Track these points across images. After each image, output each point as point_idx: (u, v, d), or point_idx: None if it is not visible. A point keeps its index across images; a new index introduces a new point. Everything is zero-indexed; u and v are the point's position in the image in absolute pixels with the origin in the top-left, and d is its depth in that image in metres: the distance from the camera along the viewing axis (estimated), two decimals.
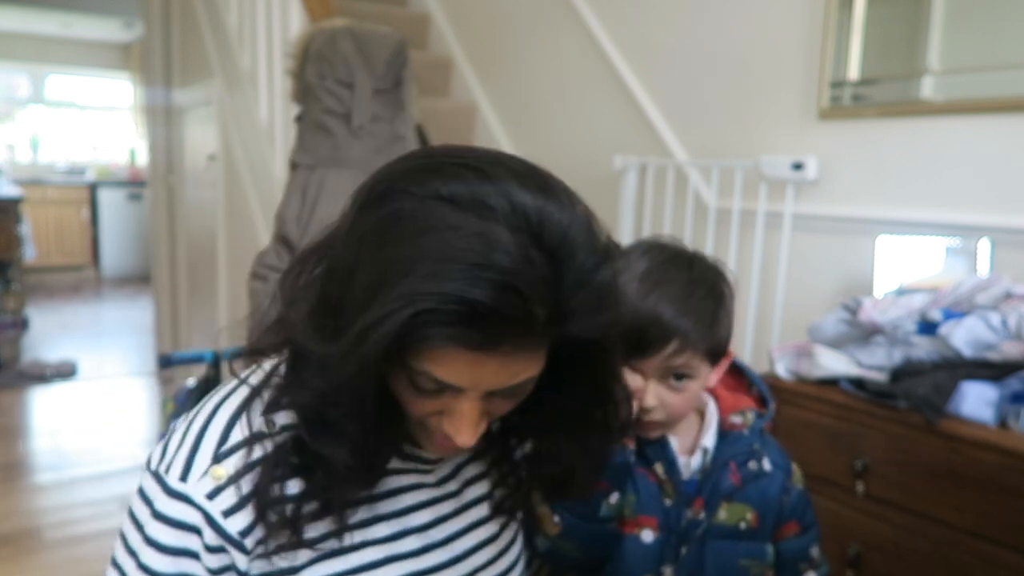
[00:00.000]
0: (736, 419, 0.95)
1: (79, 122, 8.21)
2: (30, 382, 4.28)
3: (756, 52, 2.07)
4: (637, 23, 2.40)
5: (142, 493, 0.68)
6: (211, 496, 0.65)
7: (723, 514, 0.91)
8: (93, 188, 7.80)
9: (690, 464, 0.92)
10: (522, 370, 0.61)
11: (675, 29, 2.29)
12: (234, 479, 0.66)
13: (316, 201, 1.79)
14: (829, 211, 1.91)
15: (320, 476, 0.66)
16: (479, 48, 3.08)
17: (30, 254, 5.50)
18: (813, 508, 0.99)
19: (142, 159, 7.82)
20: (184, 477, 0.66)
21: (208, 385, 1.94)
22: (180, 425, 0.71)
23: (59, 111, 8.10)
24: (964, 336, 1.38)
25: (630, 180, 2.36)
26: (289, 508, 0.66)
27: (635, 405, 0.84)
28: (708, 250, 2.16)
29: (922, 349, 1.43)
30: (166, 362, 2.02)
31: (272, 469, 0.66)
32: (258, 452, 0.67)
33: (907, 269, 1.71)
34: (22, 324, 4.80)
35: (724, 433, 0.94)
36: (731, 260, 2.11)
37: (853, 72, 1.85)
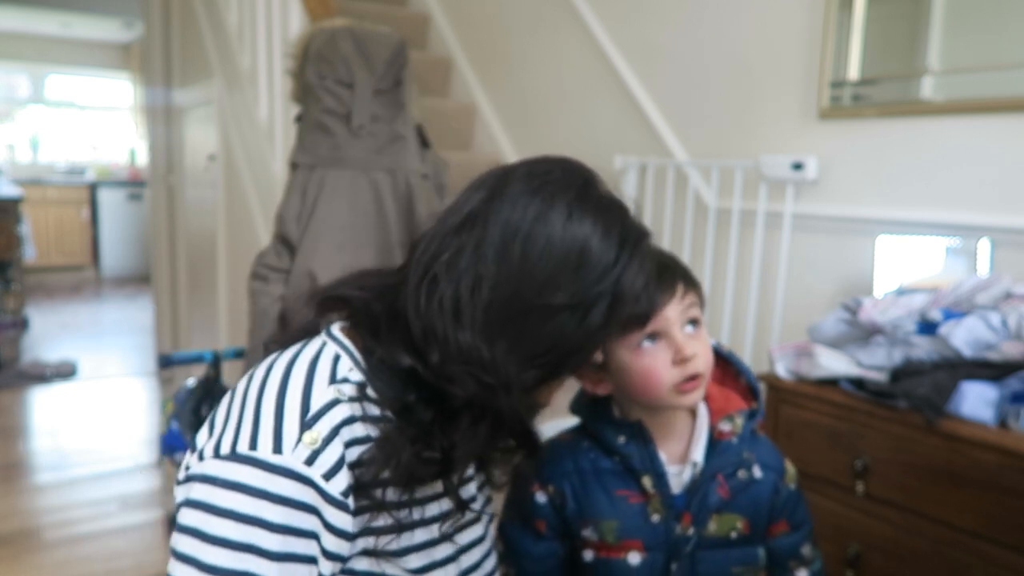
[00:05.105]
0: (725, 427, 0.91)
1: (79, 122, 8.21)
2: (30, 382, 4.28)
3: (756, 52, 2.07)
4: (637, 23, 2.40)
5: (218, 482, 0.63)
6: (309, 462, 0.65)
7: (713, 526, 0.89)
8: (93, 188, 7.80)
9: (681, 476, 0.90)
10: None
11: (675, 29, 2.29)
12: (327, 440, 0.66)
13: (316, 201, 1.79)
14: (829, 211, 1.91)
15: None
16: (479, 48, 3.08)
17: (30, 254, 5.51)
18: (807, 506, 0.98)
19: (142, 159, 7.82)
20: (278, 449, 0.64)
21: (208, 385, 1.93)
22: (236, 405, 0.69)
23: (59, 111, 8.10)
24: (964, 336, 1.38)
25: (630, 180, 2.36)
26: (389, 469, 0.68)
27: (672, 373, 0.84)
28: (708, 250, 2.17)
29: (922, 349, 1.43)
30: (166, 362, 2.02)
31: (392, 439, 0.68)
32: (341, 414, 0.68)
33: (907, 269, 1.71)
34: (22, 324, 4.80)
35: (713, 443, 0.91)
36: (731, 260, 2.11)
37: (853, 72, 1.85)
